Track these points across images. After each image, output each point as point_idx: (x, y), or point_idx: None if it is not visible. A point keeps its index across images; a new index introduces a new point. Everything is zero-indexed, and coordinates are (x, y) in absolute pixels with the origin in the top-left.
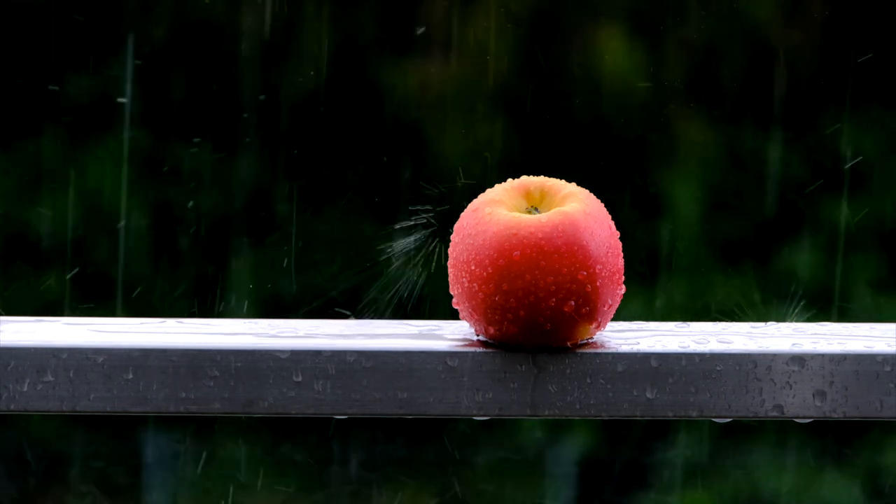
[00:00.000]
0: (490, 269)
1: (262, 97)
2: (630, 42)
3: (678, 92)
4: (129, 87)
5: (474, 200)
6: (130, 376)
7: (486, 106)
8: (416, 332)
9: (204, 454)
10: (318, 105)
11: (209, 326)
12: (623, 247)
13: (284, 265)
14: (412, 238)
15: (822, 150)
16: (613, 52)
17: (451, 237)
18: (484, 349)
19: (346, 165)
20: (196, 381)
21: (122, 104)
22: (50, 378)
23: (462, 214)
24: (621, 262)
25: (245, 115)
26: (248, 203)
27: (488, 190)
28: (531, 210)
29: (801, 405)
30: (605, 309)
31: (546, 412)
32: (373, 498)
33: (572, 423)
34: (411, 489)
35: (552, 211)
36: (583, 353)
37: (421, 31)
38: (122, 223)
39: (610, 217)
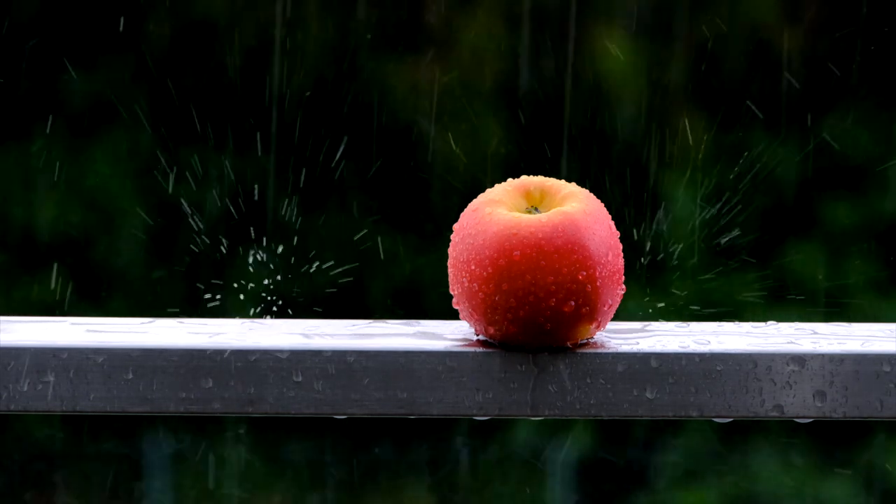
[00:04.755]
0: (490, 269)
1: (262, 96)
2: (630, 42)
3: (678, 92)
4: (129, 86)
5: (474, 200)
6: (130, 376)
7: (486, 106)
8: (416, 332)
9: (203, 454)
10: (319, 104)
11: (209, 326)
12: (623, 247)
13: (284, 265)
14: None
15: (823, 150)
16: (613, 53)
17: (451, 237)
18: (484, 349)
19: (346, 165)
20: (196, 381)
21: (123, 103)
22: (50, 378)
23: (462, 214)
24: (621, 262)
25: (245, 115)
26: (249, 202)
27: (488, 190)
28: (531, 210)
29: (801, 405)
30: (605, 309)
31: (546, 412)
32: (373, 498)
33: (572, 422)
34: (411, 489)
35: (552, 211)
36: (583, 353)
37: (421, 30)
38: (123, 222)
39: (610, 217)
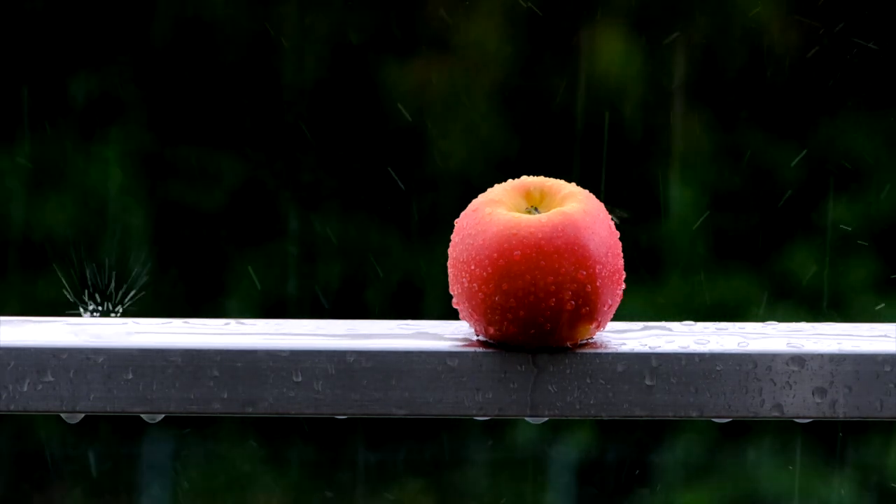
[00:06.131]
0: (490, 269)
1: (262, 96)
2: (630, 42)
3: (678, 92)
4: (130, 87)
5: (474, 200)
6: (130, 376)
7: (485, 106)
8: (416, 332)
9: (203, 453)
10: (319, 104)
11: (209, 326)
12: (623, 246)
13: (285, 265)
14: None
15: (822, 151)
16: (613, 52)
17: (451, 237)
18: (484, 349)
19: (346, 165)
20: (196, 381)
21: (124, 103)
22: (50, 378)
23: (462, 214)
24: (621, 262)
25: (246, 115)
26: (249, 203)
27: (488, 190)
28: (531, 210)
29: (801, 405)
30: (605, 309)
31: (546, 412)
32: (373, 498)
33: (572, 422)
34: (411, 489)
35: (552, 211)
36: (583, 353)
37: (421, 31)
38: (123, 223)
39: (610, 217)
